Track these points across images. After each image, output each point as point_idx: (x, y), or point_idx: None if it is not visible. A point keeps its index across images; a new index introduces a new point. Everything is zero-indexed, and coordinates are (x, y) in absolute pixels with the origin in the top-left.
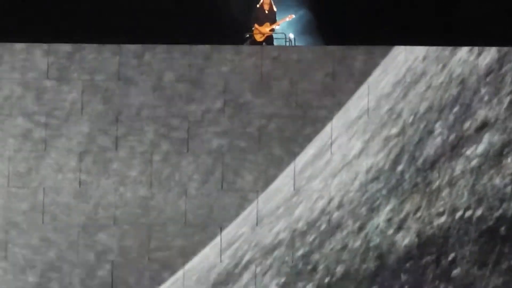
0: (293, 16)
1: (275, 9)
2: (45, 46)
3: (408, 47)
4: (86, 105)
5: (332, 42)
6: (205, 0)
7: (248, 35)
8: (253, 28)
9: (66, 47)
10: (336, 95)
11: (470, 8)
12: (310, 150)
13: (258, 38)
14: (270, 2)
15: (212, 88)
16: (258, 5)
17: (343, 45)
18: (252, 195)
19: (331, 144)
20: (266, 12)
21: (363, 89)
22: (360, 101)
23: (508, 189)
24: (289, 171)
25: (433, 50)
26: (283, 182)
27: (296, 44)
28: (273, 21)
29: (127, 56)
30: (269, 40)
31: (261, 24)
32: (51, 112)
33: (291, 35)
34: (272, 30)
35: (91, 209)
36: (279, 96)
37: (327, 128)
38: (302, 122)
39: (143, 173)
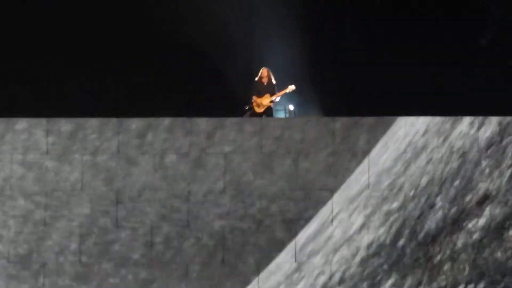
0: (294, 87)
1: (274, 81)
2: (45, 125)
3: (409, 120)
4: (87, 185)
5: (331, 114)
6: (205, 74)
7: (247, 107)
8: (252, 101)
9: (67, 126)
10: (338, 174)
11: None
12: (311, 226)
13: (258, 109)
14: (269, 74)
15: (214, 168)
16: (256, 78)
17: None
18: (254, 278)
19: (332, 220)
20: (265, 84)
21: (364, 164)
22: (361, 176)
23: (510, 262)
24: (290, 247)
25: (434, 124)
26: (284, 258)
27: (296, 115)
28: (272, 93)
29: (129, 135)
30: (268, 111)
31: (260, 96)
32: (52, 193)
33: (291, 107)
34: (272, 101)
35: None
36: (282, 176)
37: (328, 204)
38: (304, 204)
39: (144, 256)
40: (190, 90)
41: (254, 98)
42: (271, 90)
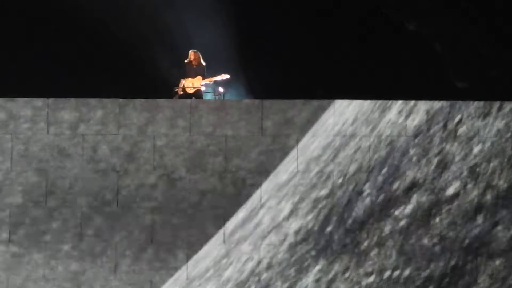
0: (228, 76)
1: (203, 63)
2: None
3: (338, 110)
4: (19, 176)
5: (260, 96)
6: (135, 55)
7: (176, 89)
8: (183, 82)
9: (0, 115)
10: (270, 173)
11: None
12: (240, 214)
13: (189, 90)
14: (198, 56)
15: (146, 162)
16: (186, 61)
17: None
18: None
19: (261, 207)
20: (194, 66)
21: (293, 152)
22: (289, 165)
23: (436, 249)
24: (219, 235)
25: (362, 113)
26: (212, 246)
27: (225, 98)
28: (201, 74)
29: (62, 127)
30: (198, 93)
31: (193, 77)
32: None
33: (221, 89)
34: (202, 85)
35: (21, 282)
36: (214, 172)
37: (257, 192)
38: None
39: (75, 248)
40: (120, 74)
41: (187, 79)
42: (200, 72)
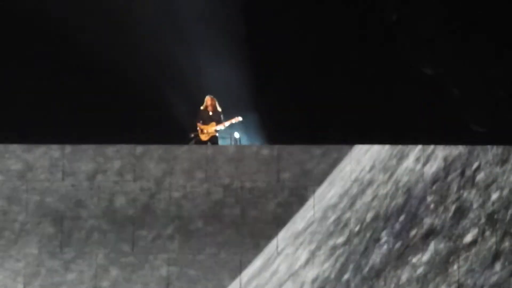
0: (240, 118)
1: (219, 109)
2: None
3: (355, 157)
4: (35, 226)
5: (276, 141)
6: (151, 103)
7: (192, 135)
8: (197, 128)
9: (17, 166)
10: (286, 223)
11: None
12: (257, 262)
13: (203, 137)
14: (214, 102)
15: (163, 214)
16: (202, 107)
17: (287, 144)
18: None
19: (277, 255)
20: (210, 113)
21: (310, 201)
22: (306, 212)
23: None
24: (235, 284)
25: (380, 160)
26: None
27: (241, 143)
28: (218, 121)
29: (79, 178)
30: (213, 139)
31: (206, 124)
32: (0, 233)
33: (236, 135)
34: (217, 130)
35: None
36: (231, 224)
37: (274, 240)
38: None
39: None
40: (136, 119)
41: (199, 125)
42: (216, 118)
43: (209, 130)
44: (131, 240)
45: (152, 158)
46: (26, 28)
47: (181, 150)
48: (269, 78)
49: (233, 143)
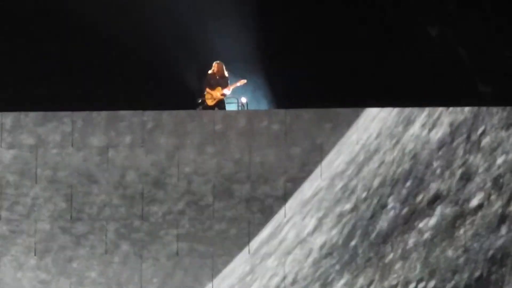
0: (245, 81)
1: (226, 74)
2: (8, 138)
3: (362, 126)
4: (47, 201)
5: (284, 106)
6: (157, 67)
7: (200, 100)
8: (204, 93)
9: (29, 140)
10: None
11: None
12: (265, 231)
13: (210, 102)
14: (222, 68)
15: (173, 189)
16: (209, 72)
17: (295, 107)
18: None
19: (286, 223)
20: (218, 78)
21: (317, 170)
22: (313, 181)
23: (461, 260)
24: (243, 252)
25: (386, 127)
26: (237, 263)
27: (249, 108)
28: (225, 86)
29: (90, 152)
30: (221, 104)
31: (212, 89)
32: (12, 207)
33: (244, 99)
34: (224, 94)
35: None
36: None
37: (282, 209)
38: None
39: (102, 275)
40: (142, 84)
41: (207, 90)
42: (223, 83)
43: (215, 95)
44: (142, 215)
45: (163, 132)
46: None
47: (192, 125)
48: (278, 43)
49: (240, 108)
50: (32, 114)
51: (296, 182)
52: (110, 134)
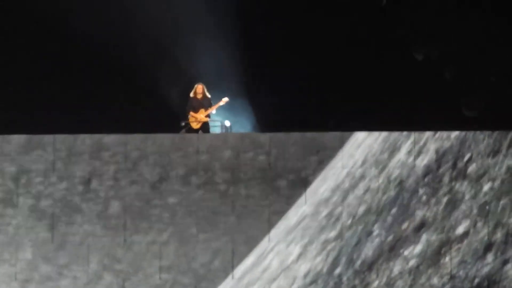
0: (227, 99)
1: (208, 95)
2: None
3: (347, 153)
4: (29, 231)
5: (268, 128)
6: (139, 91)
7: (184, 123)
8: (188, 116)
9: (11, 168)
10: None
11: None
12: (249, 259)
13: (194, 125)
14: (203, 90)
15: (158, 220)
16: (191, 94)
17: (279, 131)
18: None
19: (270, 251)
20: (201, 100)
21: (302, 197)
22: (299, 208)
23: None
24: (227, 281)
25: (371, 154)
26: None
27: (233, 131)
28: (208, 107)
29: (73, 182)
30: (205, 127)
31: (196, 112)
32: None
33: (227, 122)
34: (208, 116)
35: None
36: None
37: (266, 237)
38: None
39: None
40: (124, 107)
41: (191, 114)
42: (206, 104)
43: (200, 117)
44: (125, 246)
45: (148, 163)
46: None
47: (176, 155)
48: (260, 65)
49: (223, 130)
50: (15, 141)
51: (282, 215)
52: (94, 163)
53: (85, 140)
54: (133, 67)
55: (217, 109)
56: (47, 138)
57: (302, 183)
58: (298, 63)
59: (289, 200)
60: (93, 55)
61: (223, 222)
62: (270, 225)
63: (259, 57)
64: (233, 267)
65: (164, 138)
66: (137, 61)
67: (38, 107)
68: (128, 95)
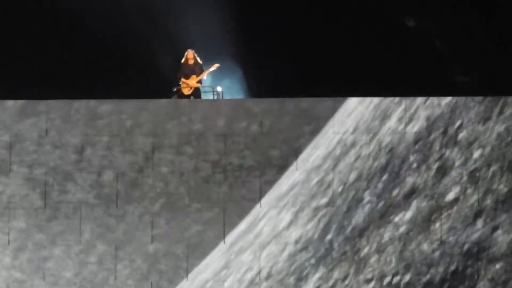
0: (218, 65)
1: (200, 61)
2: None
3: (338, 120)
4: (23, 199)
5: (260, 93)
6: (132, 57)
7: (175, 89)
8: (180, 82)
9: (5, 137)
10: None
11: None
12: (241, 226)
13: (186, 91)
14: (194, 56)
15: (150, 189)
16: (182, 61)
17: (273, 97)
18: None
19: (261, 218)
20: (191, 66)
21: (293, 165)
22: (290, 176)
23: (436, 254)
24: (219, 247)
25: (363, 122)
26: (212, 258)
27: (224, 97)
28: (199, 73)
29: (67, 150)
30: (197, 93)
31: (187, 78)
32: None
33: (219, 88)
34: (199, 82)
35: None
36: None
37: (257, 205)
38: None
39: (77, 275)
40: (117, 74)
41: (182, 80)
42: (198, 71)
43: (191, 83)
44: (118, 215)
45: (142, 132)
46: None
47: (170, 124)
48: (253, 29)
49: (215, 97)
50: (9, 107)
51: (273, 184)
52: (88, 131)
53: (80, 110)
54: (125, 35)
55: (208, 75)
56: (41, 106)
57: (294, 153)
58: (290, 29)
59: (282, 170)
60: (86, 27)
61: (216, 192)
62: (262, 195)
63: (251, 21)
64: (224, 231)
65: (159, 107)
66: (129, 29)
67: (32, 74)
68: (120, 63)
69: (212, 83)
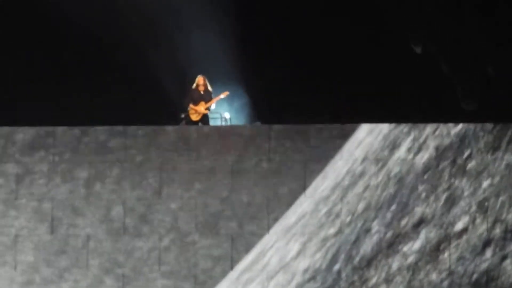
0: (228, 92)
1: (210, 89)
2: None
3: (348, 150)
4: (31, 233)
5: (268, 121)
6: (141, 83)
7: (183, 115)
8: (188, 108)
9: (15, 170)
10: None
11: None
12: (248, 257)
13: (194, 117)
14: (205, 82)
15: (159, 224)
16: (193, 87)
17: (279, 123)
18: None
19: (270, 248)
20: (202, 92)
21: (302, 197)
22: (298, 207)
23: (445, 284)
24: (226, 280)
25: (372, 151)
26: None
27: (232, 123)
28: (208, 100)
29: (77, 184)
30: (204, 119)
31: (196, 104)
32: None
33: (227, 114)
34: (208, 109)
35: None
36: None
37: (266, 236)
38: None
39: None
40: (125, 98)
41: (191, 106)
42: (207, 97)
43: (199, 109)
44: (127, 250)
45: (152, 167)
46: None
47: (179, 161)
48: (261, 56)
49: (223, 123)
50: (19, 140)
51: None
52: (98, 166)
53: (89, 144)
54: (129, 59)
55: (216, 102)
56: (50, 139)
57: (302, 188)
58: (299, 55)
59: (290, 207)
60: (93, 50)
61: (225, 227)
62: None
63: (258, 48)
64: (231, 263)
65: (168, 143)
66: (133, 52)
67: (37, 98)
68: (126, 88)
69: (220, 109)
